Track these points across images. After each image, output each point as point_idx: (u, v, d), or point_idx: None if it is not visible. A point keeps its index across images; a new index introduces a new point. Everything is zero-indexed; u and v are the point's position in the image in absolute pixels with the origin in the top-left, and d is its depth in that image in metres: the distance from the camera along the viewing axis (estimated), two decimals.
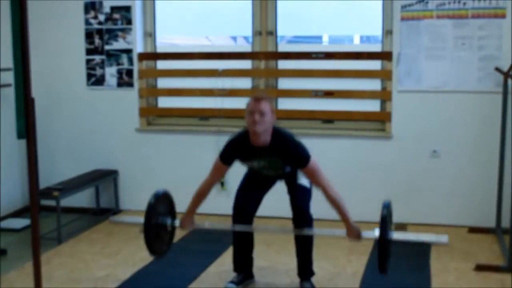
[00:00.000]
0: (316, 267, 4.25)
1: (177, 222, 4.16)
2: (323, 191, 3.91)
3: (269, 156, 3.93)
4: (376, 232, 3.75)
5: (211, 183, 4.12)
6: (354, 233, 3.95)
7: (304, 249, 4.15)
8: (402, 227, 4.28)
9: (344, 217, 3.93)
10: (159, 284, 4.35)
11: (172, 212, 4.18)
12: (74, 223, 5.72)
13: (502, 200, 5.13)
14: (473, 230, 5.37)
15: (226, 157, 4.03)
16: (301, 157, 3.91)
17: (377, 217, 5.55)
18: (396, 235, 3.83)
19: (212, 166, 4.10)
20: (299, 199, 4.09)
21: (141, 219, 3.98)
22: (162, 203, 4.09)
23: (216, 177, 4.11)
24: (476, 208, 5.46)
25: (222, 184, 5.85)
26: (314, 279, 4.20)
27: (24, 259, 4.66)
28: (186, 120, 6.12)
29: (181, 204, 5.95)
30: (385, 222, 3.72)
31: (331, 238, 5.18)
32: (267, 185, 4.28)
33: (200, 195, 4.15)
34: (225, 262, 4.60)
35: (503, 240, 4.96)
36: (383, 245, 3.71)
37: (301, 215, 4.06)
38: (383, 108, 5.70)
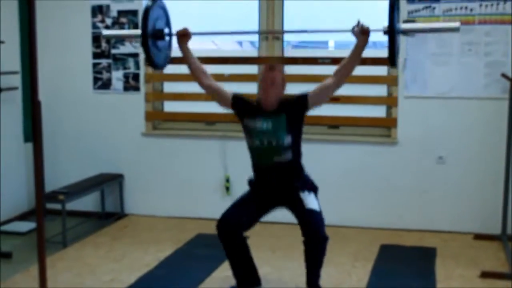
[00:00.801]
0: (321, 273, 4.23)
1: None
2: (335, 85, 4.03)
3: (275, 114, 3.98)
4: (385, 24, 3.67)
5: (208, 80, 4.26)
6: (362, 29, 3.98)
7: (314, 263, 3.95)
8: (411, 21, 4.00)
9: (350, 53, 4.06)
10: None
11: (168, 23, 4.21)
12: (80, 227, 5.73)
13: (508, 207, 5.11)
14: (478, 236, 5.36)
15: (237, 98, 4.18)
16: (301, 94, 4.03)
17: (382, 223, 5.59)
18: (404, 25, 3.76)
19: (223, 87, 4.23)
20: (313, 223, 3.86)
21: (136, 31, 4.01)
22: (158, 11, 4.09)
23: (215, 86, 4.24)
24: (482, 215, 5.44)
25: (227, 189, 5.85)
26: None
27: (29, 262, 4.66)
28: (192, 124, 6.12)
29: (186, 208, 6.00)
30: (393, 10, 3.64)
31: (336, 244, 5.16)
32: (264, 208, 4.08)
33: (199, 68, 4.28)
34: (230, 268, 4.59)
35: (508, 247, 4.94)
36: (391, 35, 3.66)
37: (317, 239, 3.85)
38: (389, 114, 5.69)
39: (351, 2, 5.67)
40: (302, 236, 3.86)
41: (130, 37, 5.54)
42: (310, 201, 3.94)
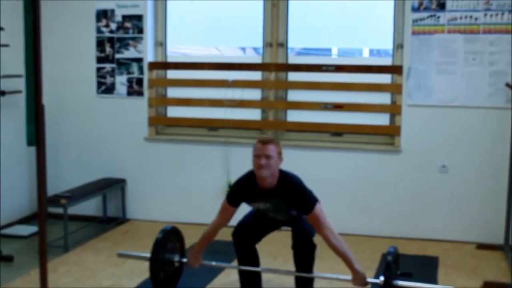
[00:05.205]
0: (321, 280, 4.22)
1: (185, 260, 4.22)
2: (326, 239, 3.82)
3: (275, 198, 3.90)
4: (381, 279, 3.71)
5: (218, 225, 4.09)
6: (360, 280, 3.85)
7: (304, 269, 4.09)
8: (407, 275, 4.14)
9: (349, 265, 3.84)
10: None
11: (181, 248, 4.27)
12: (81, 231, 5.72)
13: (510, 216, 5.09)
14: (481, 246, 5.34)
15: (233, 199, 4.03)
16: (306, 203, 3.86)
17: (384, 231, 5.57)
18: (401, 283, 3.78)
19: (220, 208, 4.09)
20: (301, 225, 4.03)
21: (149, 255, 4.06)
22: (169, 239, 4.16)
23: (224, 219, 4.07)
24: (485, 225, 5.43)
25: None
26: None
27: (30, 266, 4.66)
28: (195, 130, 6.12)
29: (188, 214, 5.98)
30: (390, 269, 3.68)
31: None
32: (273, 225, 4.21)
33: (208, 237, 4.14)
34: (232, 273, 4.58)
35: (511, 257, 4.92)
36: None
37: (304, 239, 4.00)
38: (393, 122, 5.68)
39: (354, 5, 5.69)
40: (292, 240, 4.03)
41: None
42: (307, 223, 3.99)
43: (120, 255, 4.50)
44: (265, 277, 4.34)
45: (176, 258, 4.18)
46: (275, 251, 5.02)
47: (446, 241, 5.47)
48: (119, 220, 6.09)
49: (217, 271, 4.70)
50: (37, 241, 3.43)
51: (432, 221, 5.55)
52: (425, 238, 5.52)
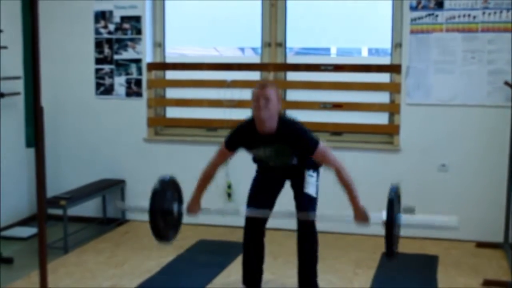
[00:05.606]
0: (322, 280, 4.22)
1: (183, 208, 4.12)
2: (336, 172, 3.85)
3: (276, 143, 3.87)
4: (383, 215, 3.69)
5: (214, 166, 4.09)
6: (362, 216, 3.90)
7: (307, 261, 4.12)
8: (410, 210, 4.06)
9: (353, 200, 3.88)
10: None
11: (179, 197, 4.15)
12: (81, 232, 5.72)
13: (510, 215, 5.09)
14: (481, 245, 5.34)
15: (231, 143, 3.99)
16: (309, 143, 3.86)
17: (383, 231, 5.56)
18: (404, 218, 3.77)
19: (217, 152, 4.07)
20: (304, 207, 4.05)
21: (147, 206, 3.94)
22: (168, 188, 4.06)
23: (220, 161, 4.07)
24: (484, 223, 5.43)
25: (229, 195, 5.84)
26: None
27: (30, 268, 4.65)
28: (194, 130, 6.12)
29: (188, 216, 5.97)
30: (392, 205, 3.67)
31: (338, 251, 5.17)
32: (276, 187, 4.19)
33: (205, 178, 4.12)
34: (232, 273, 4.59)
35: (511, 255, 4.92)
36: (389, 229, 3.66)
37: (306, 226, 4.07)
38: (392, 121, 5.69)
39: (353, 4, 5.69)
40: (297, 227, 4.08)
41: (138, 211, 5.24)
42: (311, 184, 4.05)
43: (119, 206, 4.38)
44: (265, 277, 4.35)
45: (175, 207, 4.07)
46: (276, 251, 5.02)
47: (445, 240, 5.46)
48: (119, 221, 6.09)
49: (217, 271, 4.70)
50: (37, 242, 3.43)
51: None
52: (425, 237, 5.52)
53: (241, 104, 5.82)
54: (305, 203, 4.05)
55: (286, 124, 3.88)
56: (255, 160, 4.16)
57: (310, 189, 4.06)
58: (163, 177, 4.04)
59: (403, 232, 5.55)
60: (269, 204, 4.16)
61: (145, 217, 6.05)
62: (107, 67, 6.09)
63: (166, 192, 4.01)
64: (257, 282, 4.25)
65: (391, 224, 3.64)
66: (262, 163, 4.11)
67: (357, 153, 5.67)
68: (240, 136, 3.98)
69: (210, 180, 4.13)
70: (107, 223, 6.02)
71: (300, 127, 3.93)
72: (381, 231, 5.62)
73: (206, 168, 4.11)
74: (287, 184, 4.17)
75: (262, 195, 4.15)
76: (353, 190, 3.86)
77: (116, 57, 6.06)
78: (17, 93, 5.44)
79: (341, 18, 5.84)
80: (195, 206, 4.14)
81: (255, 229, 4.15)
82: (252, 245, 4.18)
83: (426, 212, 5.52)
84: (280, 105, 3.88)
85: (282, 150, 3.91)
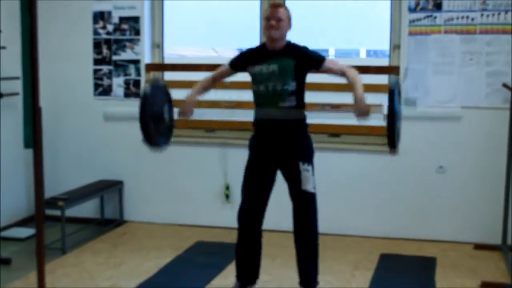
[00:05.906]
0: (320, 281, 4.22)
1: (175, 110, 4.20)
2: (345, 73, 3.99)
3: (283, 58, 3.96)
4: (384, 107, 3.73)
5: (213, 79, 4.27)
6: (362, 107, 3.81)
7: (307, 254, 4.10)
8: (412, 102, 3.96)
9: (356, 91, 3.86)
10: None
11: (169, 101, 4.22)
12: (79, 233, 5.71)
13: (508, 217, 5.10)
14: (478, 246, 5.34)
15: (238, 60, 4.15)
16: (316, 55, 4.02)
17: (382, 232, 5.58)
18: (405, 110, 3.77)
19: (218, 69, 4.23)
20: (304, 208, 4.05)
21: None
22: (158, 93, 4.12)
23: (217, 77, 4.25)
24: (482, 225, 5.43)
25: (227, 196, 5.84)
26: None
27: (28, 268, 4.64)
28: (191, 131, 6.10)
29: (186, 215, 5.98)
30: (393, 94, 3.70)
31: (336, 252, 5.17)
32: (269, 180, 4.11)
33: (201, 85, 4.26)
34: (229, 275, 4.58)
35: (509, 257, 4.93)
36: (391, 118, 3.69)
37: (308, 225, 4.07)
38: None
39: (351, 6, 5.69)
40: (293, 218, 4.07)
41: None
42: (307, 179, 4.02)
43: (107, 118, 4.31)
44: (263, 278, 4.35)
45: (166, 110, 4.14)
46: (273, 252, 5.02)
47: (443, 242, 5.46)
48: (117, 222, 6.08)
49: (215, 272, 4.69)
50: (35, 243, 3.43)
51: (429, 221, 5.54)
52: (423, 238, 5.52)
53: (239, 105, 5.81)
54: (305, 205, 4.05)
55: (294, 43, 4.06)
56: (255, 96, 4.13)
57: (307, 185, 4.03)
58: (155, 80, 4.12)
59: (403, 232, 5.57)
60: (263, 196, 4.12)
61: (144, 218, 6.10)
62: (105, 68, 6.09)
63: (157, 97, 4.09)
64: (253, 277, 4.23)
65: (392, 114, 3.68)
66: (261, 95, 4.05)
67: (355, 155, 5.67)
68: (249, 53, 4.14)
69: (206, 88, 4.29)
70: (105, 224, 6.01)
71: (307, 46, 4.07)
72: (377, 232, 5.66)
73: (205, 78, 4.28)
74: (286, 185, 4.16)
75: (254, 186, 4.11)
76: (359, 84, 3.90)
77: (114, 57, 6.05)
78: (16, 94, 5.44)
79: (339, 20, 5.85)
80: (187, 107, 4.21)
81: (251, 226, 4.13)
82: (247, 241, 4.16)
83: (425, 213, 5.55)
84: (291, 26, 4.06)
85: (286, 66, 3.96)
